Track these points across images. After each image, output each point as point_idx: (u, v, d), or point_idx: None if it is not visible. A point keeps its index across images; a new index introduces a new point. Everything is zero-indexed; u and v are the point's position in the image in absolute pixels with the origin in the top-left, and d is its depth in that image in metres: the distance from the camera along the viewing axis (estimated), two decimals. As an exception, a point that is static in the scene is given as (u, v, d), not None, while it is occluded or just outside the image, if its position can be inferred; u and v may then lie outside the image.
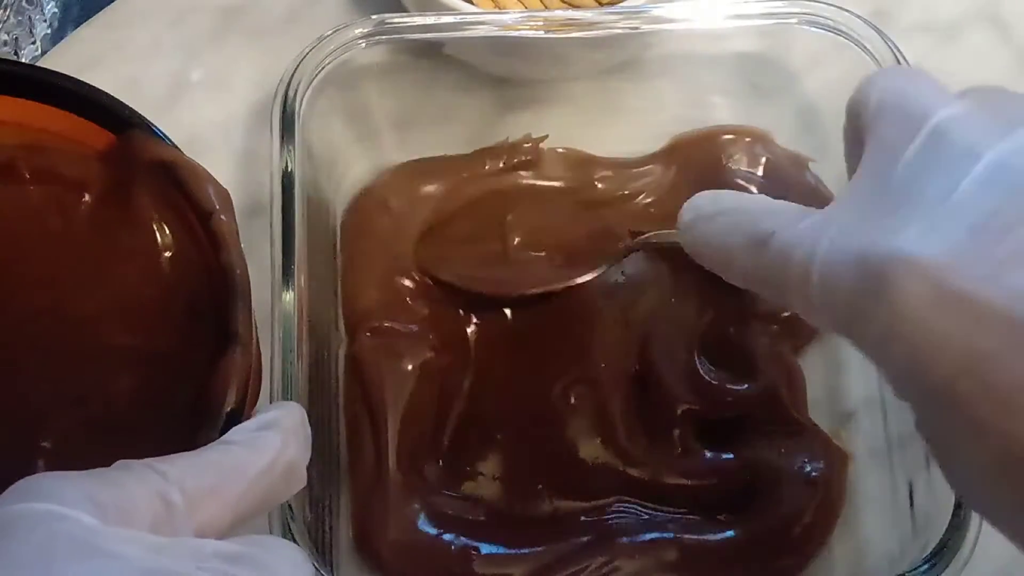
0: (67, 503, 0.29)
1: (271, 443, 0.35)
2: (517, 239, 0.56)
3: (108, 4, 0.62)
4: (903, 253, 0.33)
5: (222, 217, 0.44)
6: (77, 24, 0.61)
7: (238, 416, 0.42)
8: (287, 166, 0.50)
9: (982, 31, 0.62)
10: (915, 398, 0.35)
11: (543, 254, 0.56)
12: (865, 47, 0.53)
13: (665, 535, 0.52)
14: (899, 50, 0.53)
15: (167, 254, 0.45)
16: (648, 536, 0.52)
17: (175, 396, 0.43)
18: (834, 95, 0.55)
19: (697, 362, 0.54)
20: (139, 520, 0.30)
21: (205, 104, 0.60)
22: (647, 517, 0.52)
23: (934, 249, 0.33)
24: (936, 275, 0.32)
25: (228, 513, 0.32)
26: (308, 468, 0.47)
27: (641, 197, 0.58)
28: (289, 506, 0.45)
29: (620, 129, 0.58)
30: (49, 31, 0.61)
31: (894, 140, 0.36)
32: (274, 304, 0.48)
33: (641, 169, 0.58)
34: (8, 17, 0.58)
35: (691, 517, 0.52)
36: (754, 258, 0.39)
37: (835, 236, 0.36)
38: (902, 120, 0.37)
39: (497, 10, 0.56)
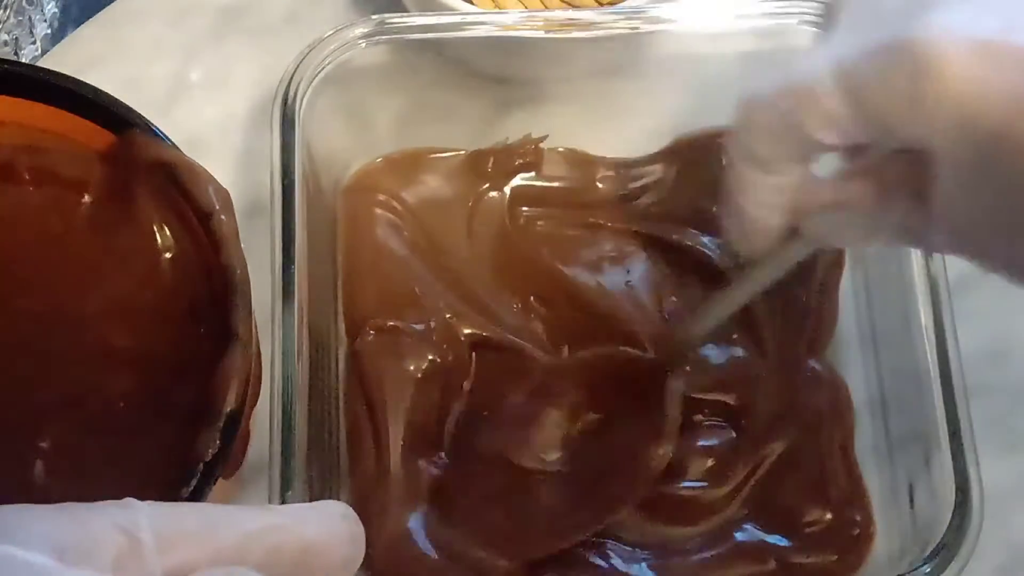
0: (26, 543, 0.28)
1: (278, 509, 0.33)
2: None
3: (108, 4, 0.62)
4: (946, 26, 0.36)
5: (222, 217, 0.44)
6: (77, 24, 0.61)
7: (238, 416, 0.42)
8: (287, 166, 0.50)
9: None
10: (964, 155, 0.37)
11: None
12: (865, 47, 0.53)
13: (665, 536, 0.52)
14: (899, 50, 0.53)
15: (167, 254, 0.45)
16: (651, 544, 0.52)
17: (175, 396, 0.43)
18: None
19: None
20: (100, 558, 0.29)
21: (205, 104, 0.59)
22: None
23: (981, 21, 0.36)
24: (985, 37, 0.36)
25: (207, 563, 0.31)
26: (308, 468, 0.47)
27: (642, 197, 0.58)
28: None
29: (620, 129, 0.58)
30: (49, 31, 0.61)
31: None
32: (274, 304, 0.48)
33: (642, 169, 0.58)
34: (8, 17, 0.58)
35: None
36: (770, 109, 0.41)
37: (850, 43, 0.38)
38: None
39: (497, 10, 0.56)
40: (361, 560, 0.32)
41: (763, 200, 0.43)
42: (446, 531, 0.51)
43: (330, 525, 0.31)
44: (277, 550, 0.30)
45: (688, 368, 0.53)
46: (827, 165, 0.44)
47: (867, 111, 0.38)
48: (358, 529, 0.32)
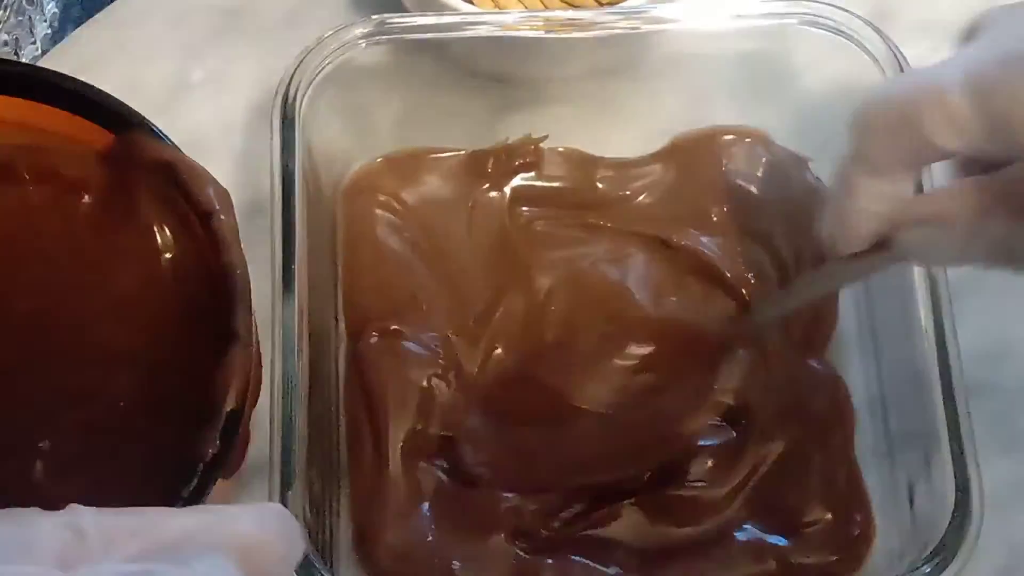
0: None
1: (214, 508, 0.33)
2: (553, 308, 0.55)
3: (108, 4, 0.62)
4: None
5: (222, 217, 0.44)
6: (77, 24, 0.61)
7: (238, 416, 0.42)
8: (287, 166, 0.50)
9: (982, 31, 0.62)
10: None
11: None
12: (865, 47, 0.53)
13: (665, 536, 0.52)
14: (899, 50, 0.53)
15: (167, 255, 0.45)
16: (649, 542, 0.52)
17: (175, 397, 0.43)
18: (834, 95, 0.55)
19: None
20: (43, 555, 0.29)
21: (205, 104, 0.59)
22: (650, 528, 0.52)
23: None
24: None
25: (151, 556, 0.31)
26: (309, 468, 0.47)
27: (642, 197, 0.58)
28: (286, 507, 0.45)
29: (620, 129, 0.58)
30: (49, 31, 0.61)
31: None
32: (274, 304, 0.48)
33: (641, 169, 0.58)
34: (8, 17, 0.58)
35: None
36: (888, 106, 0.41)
37: (986, 53, 0.38)
38: None
39: (497, 10, 0.56)
40: (300, 556, 0.33)
41: (864, 205, 0.43)
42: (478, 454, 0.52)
43: (265, 523, 0.32)
44: (215, 546, 0.31)
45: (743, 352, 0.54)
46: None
47: (993, 117, 0.38)
48: (293, 525, 0.33)
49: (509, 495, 0.52)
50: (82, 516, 0.30)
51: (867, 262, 0.45)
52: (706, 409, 0.53)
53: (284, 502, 0.45)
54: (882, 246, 0.44)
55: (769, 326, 0.54)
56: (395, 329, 0.53)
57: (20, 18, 0.59)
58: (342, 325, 0.55)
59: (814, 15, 0.54)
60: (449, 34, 0.54)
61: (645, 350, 0.54)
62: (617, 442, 0.53)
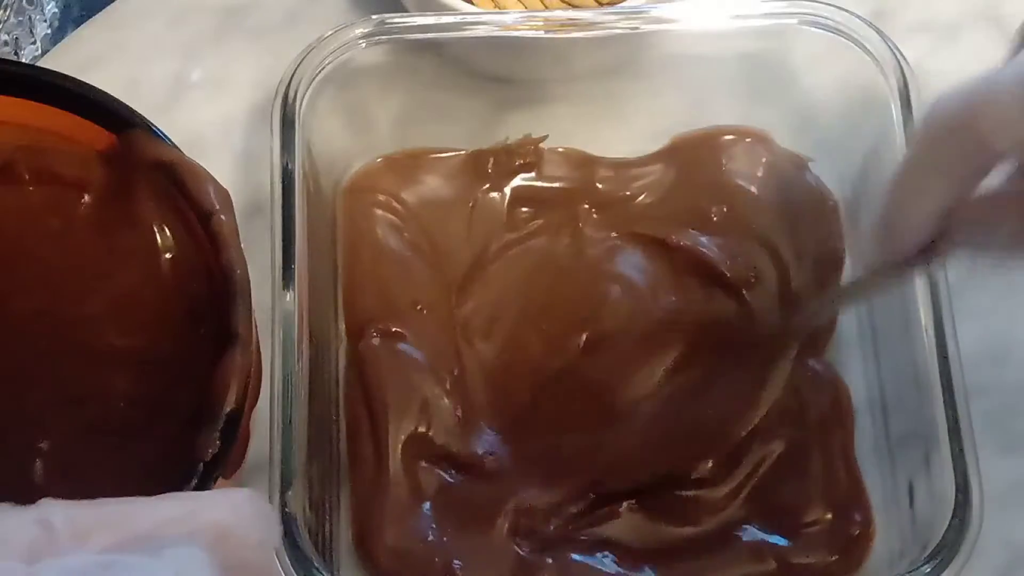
0: None
1: (189, 495, 0.34)
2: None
3: (108, 4, 0.62)
4: None
5: (222, 217, 0.44)
6: (77, 24, 0.61)
7: (238, 416, 0.42)
8: (287, 166, 0.50)
9: (982, 31, 0.62)
10: None
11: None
12: (865, 47, 0.53)
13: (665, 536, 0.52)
14: (899, 50, 0.53)
15: (167, 255, 0.45)
16: (651, 544, 0.52)
17: (175, 396, 0.43)
18: (834, 95, 0.55)
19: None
20: (13, 549, 0.29)
21: (205, 104, 0.59)
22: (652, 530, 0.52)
23: None
24: None
25: (124, 548, 0.30)
26: (309, 468, 0.47)
27: (642, 197, 0.58)
28: (286, 507, 0.45)
29: (620, 129, 0.58)
30: (49, 31, 0.61)
31: None
32: (274, 304, 0.48)
33: (641, 169, 0.58)
34: (8, 17, 0.58)
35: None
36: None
37: None
38: None
39: (497, 10, 0.56)
40: (277, 541, 0.33)
41: (922, 206, 0.42)
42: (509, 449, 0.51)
43: (238, 510, 0.32)
44: (190, 535, 0.31)
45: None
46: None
47: None
48: (267, 510, 0.33)
49: (513, 493, 0.52)
50: (52, 510, 0.30)
51: (914, 262, 0.44)
52: (755, 409, 0.52)
53: (284, 502, 0.46)
54: (927, 250, 0.43)
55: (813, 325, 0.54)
56: (395, 330, 0.53)
57: (20, 18, 0.59)
58: (342, 325, 0.55)
59: (814, 15, 0.54)
60: (449, 34, 0.54)
61: (680, 350, 0.54)
62: (662, 443, 0.52)
